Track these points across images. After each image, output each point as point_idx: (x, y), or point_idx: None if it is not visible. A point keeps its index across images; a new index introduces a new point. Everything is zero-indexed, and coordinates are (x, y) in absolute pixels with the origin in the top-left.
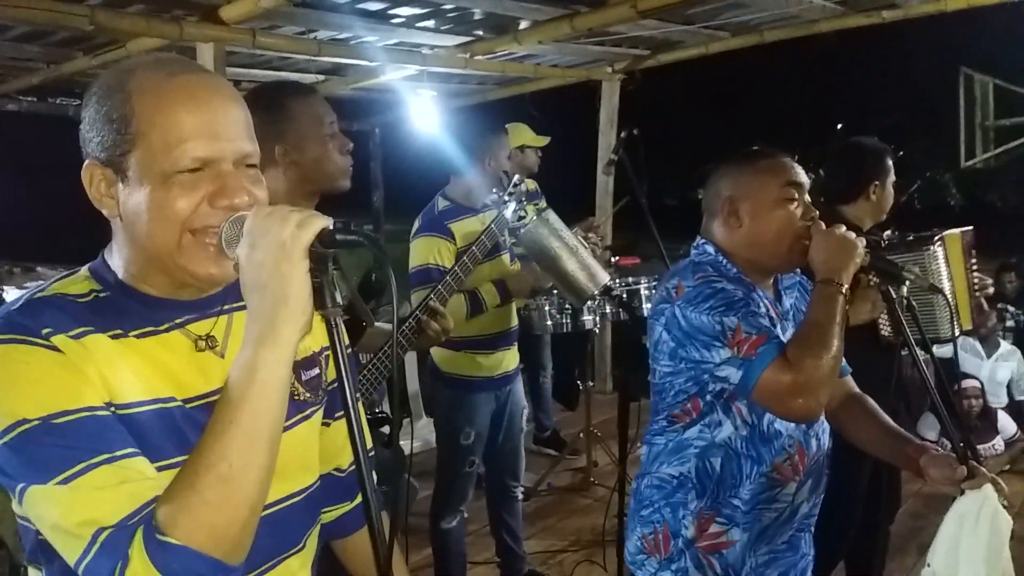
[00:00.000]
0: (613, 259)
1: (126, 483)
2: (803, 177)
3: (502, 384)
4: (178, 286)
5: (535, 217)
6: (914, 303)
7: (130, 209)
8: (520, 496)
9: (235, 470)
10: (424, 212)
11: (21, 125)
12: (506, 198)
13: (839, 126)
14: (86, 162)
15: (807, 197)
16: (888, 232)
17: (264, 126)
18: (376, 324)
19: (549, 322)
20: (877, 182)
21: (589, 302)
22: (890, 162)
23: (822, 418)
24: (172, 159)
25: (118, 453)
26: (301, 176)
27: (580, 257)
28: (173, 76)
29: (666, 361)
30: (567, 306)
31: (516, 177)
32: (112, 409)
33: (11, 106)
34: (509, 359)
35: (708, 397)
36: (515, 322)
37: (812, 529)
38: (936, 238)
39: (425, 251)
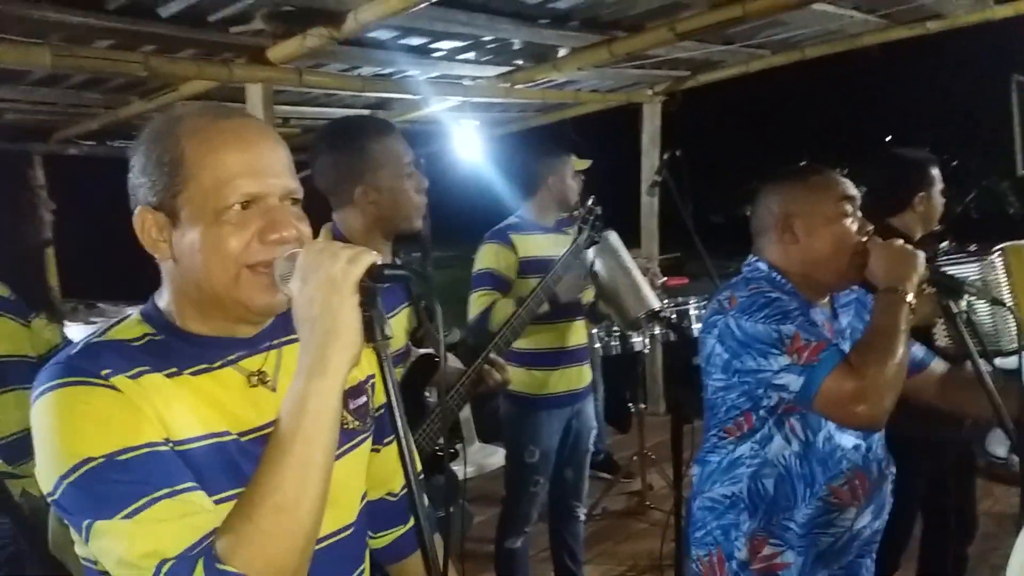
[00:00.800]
0: (661, 280)
1: (187, 516)
2: (855, 192)
3: (569, 402)
4: (231, 323)
5: (611, 233)
6: (974, 318)
7: (184, 249)
8: (582, 518)
9: (290, 500)
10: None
11: (81, 168)
12: (581, 226)
13: (888, 139)
14: (138, 209)
15: (859, 212)
16: (945, 244)
17: (343, 166)
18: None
19: (598, 344)
20: (923, 193)
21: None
22: (935, 171)
23: (882, 442)
24: (223, 196)
25: (179, 487)
26: (379, 215)
27: (633, 279)
28: (219, 120)
29: (719, 375)
30: (615, 328)
31: (591, 202)
32: (170, 445)
33: (72, 150)
34: (576, 377)
35: (761, 412)
36: (582, 340)
37: (874, 555)
38: (996, 249)
39: (485, 256)
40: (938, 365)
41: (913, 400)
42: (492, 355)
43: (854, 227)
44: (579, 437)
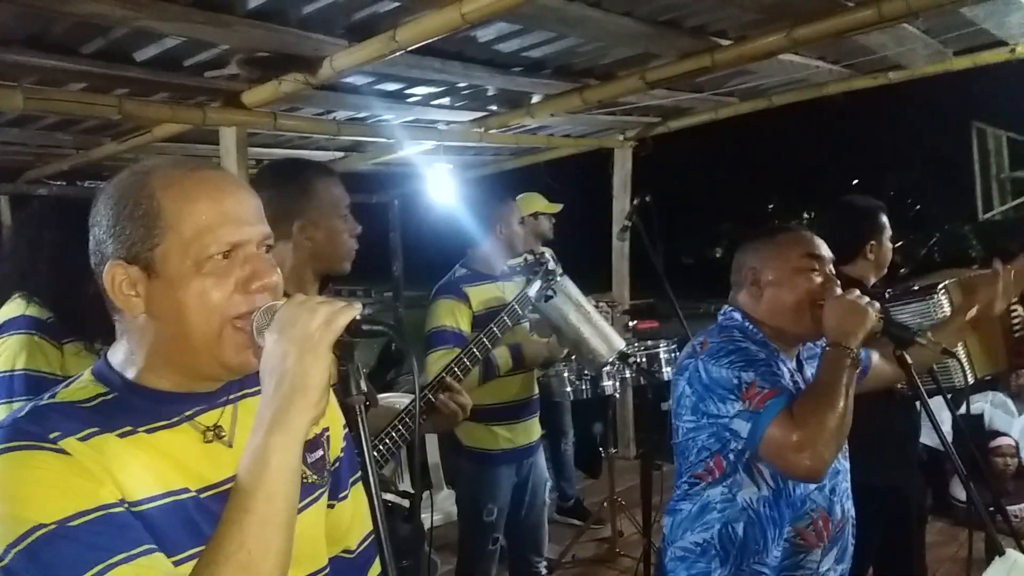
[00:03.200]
0: (631, 323)
1: None
2: (824, 251)
3: (524, 456)
4: (193, 380)
5: (557, 287)
6: (937, 373)
7: (163, 304)
8: (544, 571)
9: (254, 557)
10: (442, 280)
11: (51, 208)
12: (531, 276)
13: (854, 183)
14: (108, 264)
15: (830, 269)
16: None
17: (285, 200)
18: (381, 403)
19: (568, 388)
20: (873, 241)
21: (607, 367)
22: (884, 219)
23: (846, 485)
24: (204, 245)
25: (135, 551)
26: (313, 253)
27: (595, 323)
28: (193, 172)
29: (688, 416)
30: (586, 372)
31: (542, 252)
32: (126, 506)
33: (41, 190)
34: (531, 430)
35: (730, 456)
36: (536, 391)
37: None
38: (941, 286)
39: (441, 313)
40: (875, 356)
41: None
42: (447, 380)
43: (818, 281)
44: (535, 490)
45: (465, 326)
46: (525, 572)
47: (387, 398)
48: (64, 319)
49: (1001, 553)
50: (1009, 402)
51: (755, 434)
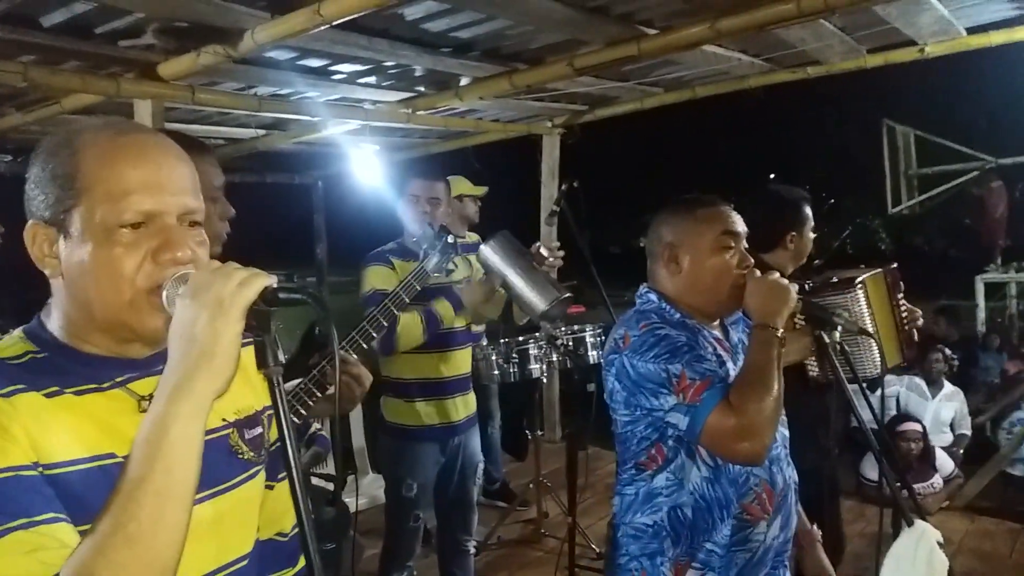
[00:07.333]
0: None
1: (39, 551)
2: (740, 227)
3: (448, 435)
4: (121, 344)
5: (491, 239)
6: (846, 347)
7: (73, 267)
8: (472, 551)
9: (144, 530)
10: (372, 251)
11: None
12: (431, 251)
13: (771, 176)
14: (29, 222)
15: (744, 245)
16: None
17: None
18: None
19: (496, 371)
20: (795, 232)
21: (535, 348)
22: (807, 211)
23: (785, 452)
24: (116, 211)
25: (37, 518)
26: None
27: (530, 279)
28: (121, 135)
29: (623, 410)
30: (514, 355)
31: (448, 235)
32: (40, 469)
33: None
34: (457, 408)
35: (671, 442)
36: (465, 370)
37: (786, 563)
38: (858, 281)
39: (372, 277)
40: None
41: None
42: (341, 354)
43: (735, 260)
44: (465, 470)
45: (391, 287)
46: (453, 550)
47: (296, 383)
48: None
49: (910, 524)
50: (924, 386)
51: (694, 428)
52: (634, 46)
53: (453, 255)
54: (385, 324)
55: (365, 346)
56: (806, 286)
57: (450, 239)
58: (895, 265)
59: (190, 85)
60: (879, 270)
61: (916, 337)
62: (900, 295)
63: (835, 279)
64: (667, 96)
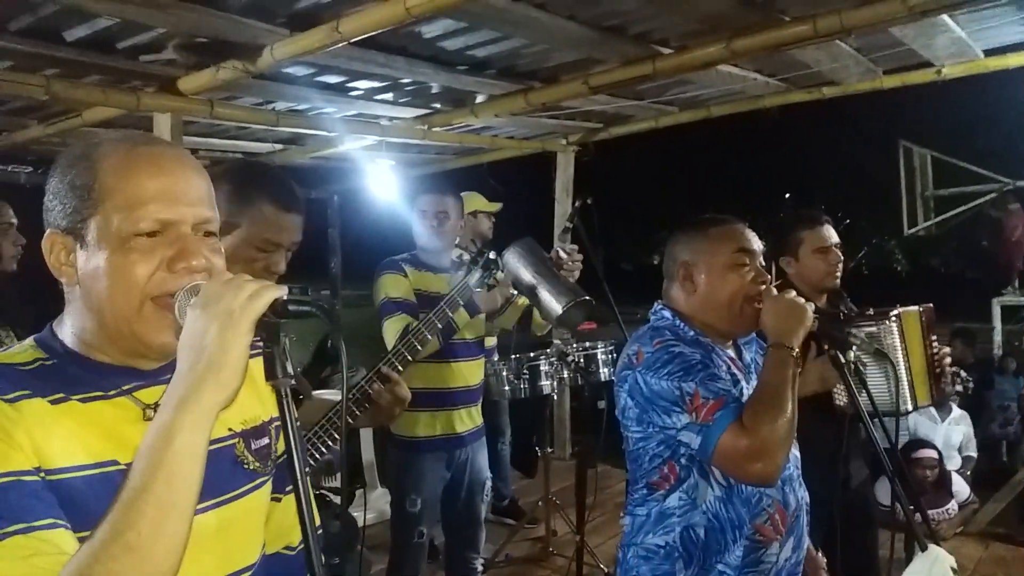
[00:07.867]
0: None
1: (36, 556)
2: (755, 244)
3: (454, 446)
4: (131, 355)
5: (515, 244)
6: (866, 376)
7: (88, 274)
8: (480, 569)
9: (144, 539)
10: (385, 260)
11: None
12: (472, 266)
13: (787, 195)
14: (47, 232)
15: (760, 262)
16: (842, 307)
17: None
18: (315, 396)
19: (507, 387)
20: (788, 256)
21: (546, 365)
22: (804, 233)
23: (798, 473)
24: (132, 220)
25: (36, 524)
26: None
27: (553, 279)
28: (138, 146)
29: (635, 427)
30: (525, 371)
31: (491, 251)
32: (42, 475)
33: None
34: (463, 419)
35: (683, 460)
36: (474, 381)
37: None
38: (893, 314)
39: (386, 285)
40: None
41: None
42: (384, 370)
43: (750, 276)
44: (472, 486)
45: (411, 296)
46: (460, 568)
47: (323, 394)
48: None
49: (924, 548)
50: (932, 410)
51: (707, 448)
52: (649, 65)
53: (496, 271)
54: (430, 337)
55: (411, 358)
56: (841, 313)
57: (491, 255)
58: (931, 305)
59: (209, 99)
60: (916, 308)
61: (947, 378)
62: (934, 337)
63: (871, 311)
64: (682, 115)
